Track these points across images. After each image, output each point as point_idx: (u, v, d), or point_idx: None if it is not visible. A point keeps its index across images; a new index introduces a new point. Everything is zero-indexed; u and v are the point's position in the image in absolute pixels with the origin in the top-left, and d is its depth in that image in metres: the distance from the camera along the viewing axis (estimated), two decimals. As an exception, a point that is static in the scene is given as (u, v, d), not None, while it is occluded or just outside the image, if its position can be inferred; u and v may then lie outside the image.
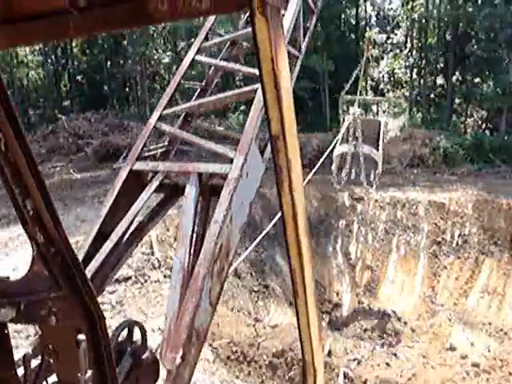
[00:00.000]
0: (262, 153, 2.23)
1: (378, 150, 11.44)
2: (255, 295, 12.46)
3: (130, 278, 9.13)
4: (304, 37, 2.66)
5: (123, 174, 2.24)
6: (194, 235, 2.05)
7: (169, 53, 29.29)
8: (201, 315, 1.89)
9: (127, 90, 31.39)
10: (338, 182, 11.64)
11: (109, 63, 30.86)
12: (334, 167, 11.73)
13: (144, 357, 2.23)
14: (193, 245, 2.02)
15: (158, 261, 9.89)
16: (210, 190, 2.17)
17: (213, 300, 1.95)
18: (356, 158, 11.33)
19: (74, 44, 30.56)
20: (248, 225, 13.80)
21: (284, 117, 1.36)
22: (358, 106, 12.18)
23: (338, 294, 14.22)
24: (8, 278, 1.79)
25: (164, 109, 2.48)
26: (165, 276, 9.42)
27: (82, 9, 1.30)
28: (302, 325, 1.90)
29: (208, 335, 8.09)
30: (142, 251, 10.19)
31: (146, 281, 9.13)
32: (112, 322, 7.32)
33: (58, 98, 32.25)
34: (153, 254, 10.19)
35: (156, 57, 28.17)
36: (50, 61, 32.35)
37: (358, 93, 12.48)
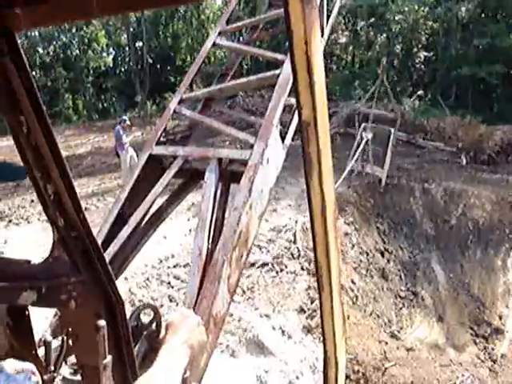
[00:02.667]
0: (282, 139, 2.23)
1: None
2: (400, 301, 11.23)
3: (266, 264, 8.74)
4: (327, 21, 2.64)
5: (142, 159, 2.23)
6: (213, 221, 2.06)
7: (346, 33, 28.76)
8: (219, 302, 1.90)
9: None
10: None
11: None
12: None
13: (159, 341, 2.25)
14: (212, 231, 2.03)
15: (298, 250, 9.31)
16: (229, 176, 2.17)
17: (231, 287, 1.96)
18: None
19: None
20: (405, 222, 13.16)
21: (316, 103, 1.34)
22: None
23: (500, 317, 12.01)
24: (29, 261, 1.79)
25: (184, 93, 2.46)
26: (302, 268, 8.83)
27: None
28: (325, 318, 1.92)
29: None
30: (285, 237, 9.76)
31: (281, 270, 8.65)
32: (240, 307, 7.25)
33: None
34: (295, 242, 9.62)
35: (333, 36, 27.36)
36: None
37: None
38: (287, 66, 2.17)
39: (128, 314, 2.37)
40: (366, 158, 12.84)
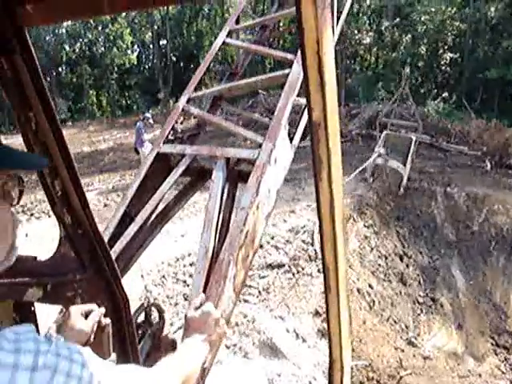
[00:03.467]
0: (291, 140, 2.20)
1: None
2: (418, 307, 10.88)
3: (283, 265, 8.62)
4: (337, 22, 2.60)
5: (150, 157, 2.23)
6: (220, 221, 2.04)
7: (371, 33, 28.64)
8: (224, 302, 1.89)
9: None
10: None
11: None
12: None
13: (162, 339, 2.25)
14: (218, 230, 2.01)
15: (316, 252, 9.07)
16: (237, 175, 2.15)
17: (237, 287, 1.94)
18: None
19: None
20: (426, 226, 12.88)
21: (327, 104, 1.31)
22: None
23: (523, 327, 11.64)
24: (35, 258, 1.81)
25: (193, 92, 2.45)
26: (319, 270, 8.58)
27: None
28: (332, 319, 1.89)
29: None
30: (302, 239, 9.56)
31: (298, 272, 8.50)
32: (254, 308, 7.23)
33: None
34: (312, 244, 9.41)
35: (357, 37, 27.46)
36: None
37: None
38: (296, 66, 2.14)
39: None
40: (389, 153, 12.73)
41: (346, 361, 2.05)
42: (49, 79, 32.07)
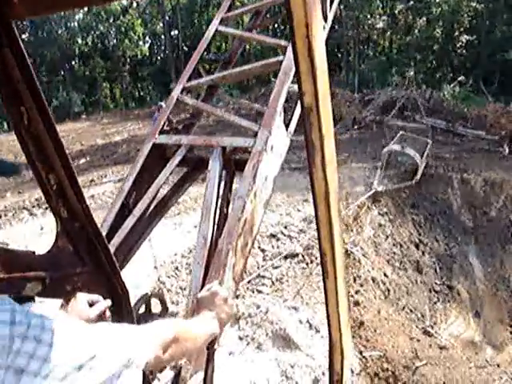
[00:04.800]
0: (286, 126, 2.16)
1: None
2: (435, 296, 10.75)
3: (297, 255, 8.57)
4: (331, 6, 2.54)
5: (146, 148, 2.22)
6: (218, 210, 2.02)
7: (384, 17, 28.48)
8: (226, 291, 1.88)
9: (339, 55, 30.72)
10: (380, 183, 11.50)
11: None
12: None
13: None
14: (216, 220, 2.00)
15: None
16: (233, 164, 2.12)
17: (236, 276, 1.93)
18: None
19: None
20: (442, 213, 12.69)
21: (318, 88, 1.28)
22: None
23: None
24: (33, 252, 1.81)
25: (187, 81, 2.43)
26: None
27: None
28: (330, 305, 1.87)
29: (362, 342, 7.41)
30: (316, 228, 9.51)
31: (311, 261, 8.42)
32: (267, 299, 7.24)
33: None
34: None
35: (370, 21, 27.35)
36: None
37: None
38: (290, 53, 2.09)
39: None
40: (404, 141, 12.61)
41: (345, 345, 2.03)
42: (62, 73, 32.35)
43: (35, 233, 9.12)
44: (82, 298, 1.72)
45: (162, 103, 13.93)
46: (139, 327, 1.28)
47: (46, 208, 10.38)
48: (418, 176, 12.38)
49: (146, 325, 1.32)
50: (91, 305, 1.73)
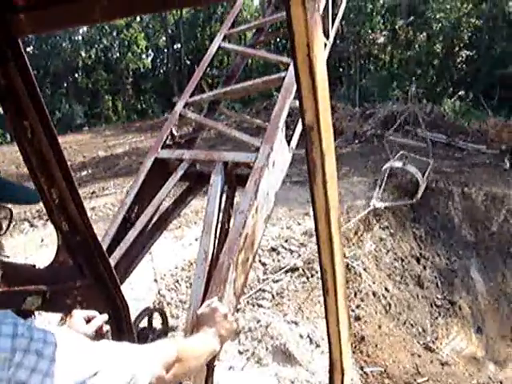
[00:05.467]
0: (288, 142, 2.18)
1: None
2: (436, 310, 10.66)
3: (297, 269, 8.56)
4: (333, 23, 2.57)
5: (148, 162, 2.23)
6: (219, 225, 2.03)
7: (385, 32, 28.78)
8: (226, 307, 1.87)
9: (340, 70, 31.05)
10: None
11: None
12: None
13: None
14: (217, 234, 2.00)
15: None
16: (235, 179, 2.14)
17: (237, 291, 1.93)
18: None
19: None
20: (443, 227, 12.65)
21: (319, 106, 1.30)
22: None
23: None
24: (34, 266, 1.81)
25: (190, 96, 2.45)
26: None
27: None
28: (331, 322, 1.86)
29: (362, 357, 7.48)
30: (316, 241, 9.35)
31: (312, 275, 8.40)
32: (268, 313, 7.20)
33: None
34: None
35: (371, 36, 27.72)
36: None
37: None
38: (292, 69, 2.11)
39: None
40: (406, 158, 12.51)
41: (346, 362, 2.02)
42: (66, 85, 32.60)
43: (36, 244, 9.12)
44: (78, 314, 1.72)
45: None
46: (142, 347, 1.27)
47: (47, 220, 10.37)
48: (419, 195, 12.21)
49: (149, 345, 1.32)
50: (88, 321, 1.72)
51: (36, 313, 1.79)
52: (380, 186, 11.77)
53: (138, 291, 6.50)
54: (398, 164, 12.16)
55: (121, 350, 1.12)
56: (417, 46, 27.29)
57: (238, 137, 2.30)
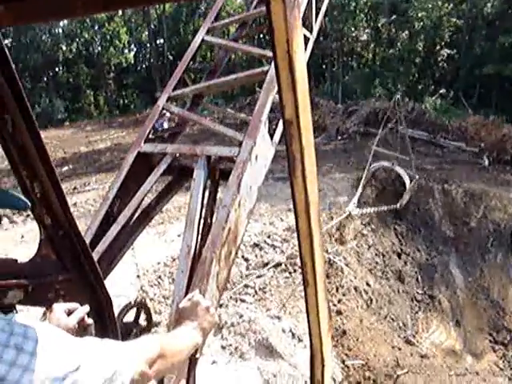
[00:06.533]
0: (271, 136, 2.19)
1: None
2: (416, 305, 10.87)
3: (280, 264, 8.65)
4: (316, 17, 2.59)
5: (131, 157, 2.22)
6: (202, 219, 2.04)
7: (368, 30, 28.86)
8: (208, 300, 1.89)
9: (323, 66, 30.95)
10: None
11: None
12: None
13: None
14: (200, 229, 2.01)
15: None
16: (218, 173, 2.14)
17: (220, 285, 1.94)
18: None
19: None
20: (424, 223, 12.79)
21: (298, 101, 1.31)
22: None
23: (520, 323, 11.47)
24: (16, 260, 1.80)
25: (173, 90, 2.45)
26: None
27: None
28: (311, 314, 1.89)
29: (344, 351, 7.57)
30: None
31: (295, 271, 8.48)
32: (250, 308, 7.24)
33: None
34: None
35: (354, 34, 27.78)
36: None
37: None
38: (275, 64, 2.13)
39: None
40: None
41: (326, 354, 2.05)
42: (45, 79, 32.03)
43: (16, 241, 8.98)
44: (58, 307, 1.70)
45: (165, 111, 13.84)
46: (125, 343, 1.27)
47: (28, 216, 10.23)
48: (404, 201, 12.01)
49: (131, 341, 1.32)
50: (69, 313, 1.71)
51: (18, 307, 1.78)
52: (363, 187, 11.65)
53: (120, 287, 6.46)
54: (387, 164, 12.10)
55: (103, 345, 1.11)
56: (399, 44, 27.58)
57: (221, 131, 2.31)
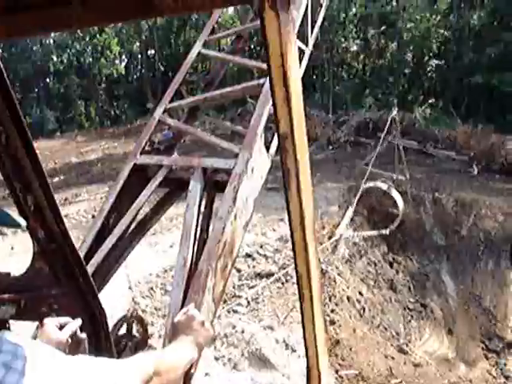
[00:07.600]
0: (267, 148, 2.20)
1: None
2: (409, 314, 10.82)
3: (272, 274, 8.63)
4: (312, 30, 2.62)
5: (127, 168, 2.22)
6: (198, 231, 2.03)
7: (358, 41, 29.08)
8: (204, 313, 1.88)
9: (314, 77, 30.91)
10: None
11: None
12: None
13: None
14: (196, 241, 2.00)
15: None
16: (214, 185, 2.14)
17: (216, 297, 1.93)
18: None
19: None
20: (414, 232, 12.74)
21: (293, 115, 1.32)
22: None
23: (513, 331, 11.59)
24: (9, 274, 1.77)
25: (169, 102, 2.45)
26: None
27: (85, 0, 1.26)
28: (307, 329, 1.88)
29: (337, 361, 7.52)
30: (291, 247, 9.18)
31: (287, 281, 8.50)
32: (243, 319, 7.22)
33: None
34: None
35: (344, 45, 27.98)
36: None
37: None
38: (270, 77, 2.14)
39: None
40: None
41: (322, 368, 2.04)
42: (36, 90, 31.91)
43: (5, 253, 8.87)
44: (49, 322, 1.67)
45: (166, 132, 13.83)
46: (120, 361, 1.25)
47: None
48: (395, 224, 12.00)
49: (127, 359, 1.30)
50: (61, 328, 1.69)
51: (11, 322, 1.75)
52: (354, 206, 11.51)
53: (112, 298, 6.40)
54: (384, 186, 11.95)
55: (96, 364, 1.09)
56: (388, 54, 27.92)
57: (217, 143, 2.31)
